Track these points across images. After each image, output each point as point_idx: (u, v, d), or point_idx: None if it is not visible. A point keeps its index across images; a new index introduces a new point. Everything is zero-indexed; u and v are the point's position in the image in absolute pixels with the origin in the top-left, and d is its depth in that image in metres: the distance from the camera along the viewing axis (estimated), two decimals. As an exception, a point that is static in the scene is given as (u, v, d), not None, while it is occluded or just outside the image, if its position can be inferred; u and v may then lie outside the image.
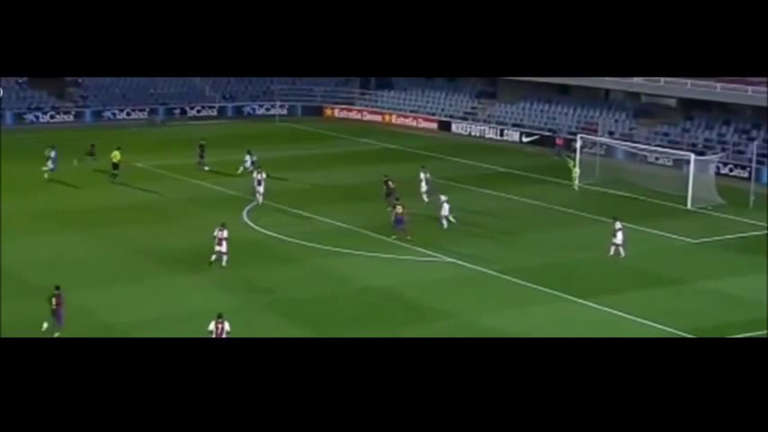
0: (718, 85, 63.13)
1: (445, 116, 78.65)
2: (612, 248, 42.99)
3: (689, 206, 52.57)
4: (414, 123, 78.96)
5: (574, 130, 68.62)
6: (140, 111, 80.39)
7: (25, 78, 78.72)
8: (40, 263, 41.37)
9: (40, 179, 56.30)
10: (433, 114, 79.38)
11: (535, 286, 39.30)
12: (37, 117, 77.80)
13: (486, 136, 74.54)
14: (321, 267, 41.45)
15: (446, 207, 47.30)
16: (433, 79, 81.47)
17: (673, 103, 69.92)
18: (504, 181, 59.11)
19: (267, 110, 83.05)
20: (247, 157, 58.94)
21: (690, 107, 68.13)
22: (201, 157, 60.31)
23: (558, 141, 67.80)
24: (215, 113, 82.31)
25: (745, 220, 50.28)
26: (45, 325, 32.68)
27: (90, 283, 37.95)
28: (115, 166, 56.76)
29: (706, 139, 65.20)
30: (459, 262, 42.27)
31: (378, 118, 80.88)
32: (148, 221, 48.57)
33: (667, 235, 47.26)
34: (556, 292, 38.56)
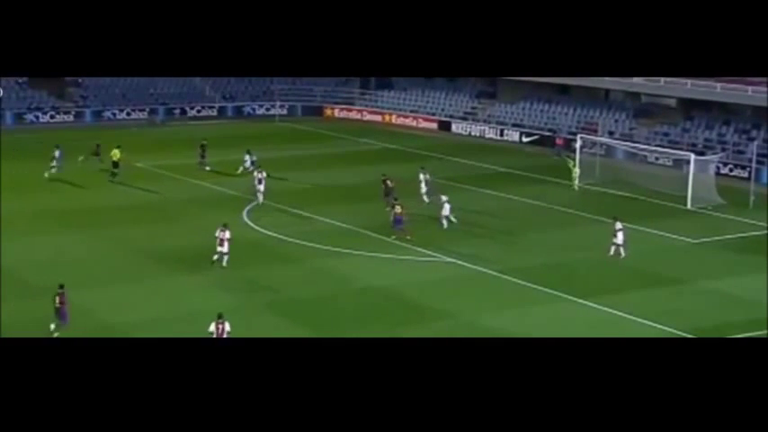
0: (718, 85, 63.13)
1: (445, 116, 78.66)
2: (613, 248, 42.99)
3: (689, 206, 52.57)
4: (414, 123, 78.97)
5: (574, 130, 68.62)
6: (140, 111, 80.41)
7: (25, 78, 78.76)
8: (40, 263, 41.38)
9: (41, 179, 56.33)
10: (433, 114, 79.38)
11: (535, 286, 39.31)
12: (37, 117, 77.82)
13: (486, 136, 74.55)
14: (321, 267, 41.45)
15: (447, 207, 47.29)
16: (433, 79, 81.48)
17: (673, 103, 69.92)
18: (504, 181, 59.11)
19: (267, 110, 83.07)
20: (247, 157, 58.96)
21: (690, 107, 68.13)
22: (203, 156, 60.32)
23: (558, 141, 67.80)
24: (215, 113, 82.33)
25: (745, 220, 50.28)
26: (53, 326, 32.78)
27: (90, 283, 37.94)
28: (115, 164, 56.89)
29: (706, 139, 65.20)
30: (459, 262, 42.28)
31: (378, 118, 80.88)
32: (148, 221, 48.57)
33: (667, 235, 47.26)
34: (556, 292, 38.56)
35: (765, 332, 34.15)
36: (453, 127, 76.80)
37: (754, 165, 57.72)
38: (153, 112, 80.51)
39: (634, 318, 35.98)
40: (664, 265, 42.67)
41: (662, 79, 65.79)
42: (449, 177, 57.76)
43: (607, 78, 67.03)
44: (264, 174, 52.44)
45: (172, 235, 46.22)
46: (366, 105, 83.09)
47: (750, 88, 62.03)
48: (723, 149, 61.81)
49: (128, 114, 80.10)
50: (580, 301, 37.75)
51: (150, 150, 65.74)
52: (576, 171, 57.15)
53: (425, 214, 48.88)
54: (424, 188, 52.39)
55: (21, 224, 47.20)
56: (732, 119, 65.99)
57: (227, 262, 40.50)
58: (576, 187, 56.76)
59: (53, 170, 56.56)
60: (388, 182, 51.59)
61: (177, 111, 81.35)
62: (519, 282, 39.90)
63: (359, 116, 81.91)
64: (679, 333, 34.30)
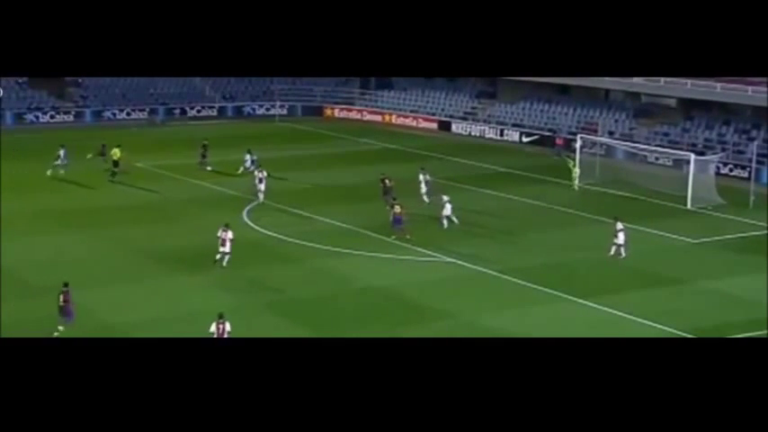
0: (718, 85, 63.14)
1: (445, 116, 78.67)
2: (613, 248, 42.98)
3: (689, 206, 52.58)
4: (414, 123, 78.98)
5: (574, 130, 68.63)
6: (140, 111, 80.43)
7: (25, 78, 78.77)
8: (40, 263, 41.39)
9: (40, 179, 56.38)
10: (433, 114, 79.39)
11: (535, 286, 39.31)
12: (37, 117, 77.85)
13: (486, 136, 74.56)
14: (321, 267, 41.45)
15: (448, 207, 47.30)
16: (433, 79, 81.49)
17: (673, 103, 69.92)
18: (504, 181, 59.11)
19: (267, 110, 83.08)
20: (247, 157, 58.98)
21: (690, 107, 68.14)
22: (204, 156, 60.34)
23: (558, 141, 67.80)
24: (215, 113, 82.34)
25: (745, 220, 50.28)
26: (61, 329, 32.91)
27: (90, 283, 37.92)
28: (115, 163, 57.01)
29: (706, 139, 65.21)
30: (459, 262, 42.28)
31: (378, 118, 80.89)
32: (148, 221, 48.58)
33: (667, 235, 47.26)
34: (556, 292, 38.56)
35: (765, 332, 34.15)
36: (453, 127, 76.81)
37: (754, 165, 57.72)
38: (153, 112, 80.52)
39: (634, 318, 35.98)
40: (664, 265, 42.67)
41: (662, 79, 65.81)
42: (449, 177, 57.77)
43: (607, 78, 67.05)
44: (265, 173, 52.48)
45: (172, 235, 46.22)
46: (366, 105, 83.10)
47: (750, 88, 62.04)
48: (723, 149, 61.82)
49: (128, 114, 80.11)
50: (580, 301, 37.75)
51: (150, 150, 65.74)
52: (576, 171, 57.15)
53: (425, 214, 48.89)
54: (423, 188, 52.39)
55: (21, 224, 47.21)
56: (732, 119, 66.00)
57: (228, 262, 40.51)
58: (576, 187, 56.77)
59: (61, 171, 56.67)
60: (387, 181, 51.64)
61: (177, 111, 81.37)
62: (519, 282, 39.90)
63: (359, 116, 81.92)
64: (679, 333, 34.30)
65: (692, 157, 54.49)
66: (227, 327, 30.88)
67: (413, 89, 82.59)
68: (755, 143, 60.56)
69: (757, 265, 42.22)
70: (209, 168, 59.69)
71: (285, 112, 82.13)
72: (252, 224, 47.73)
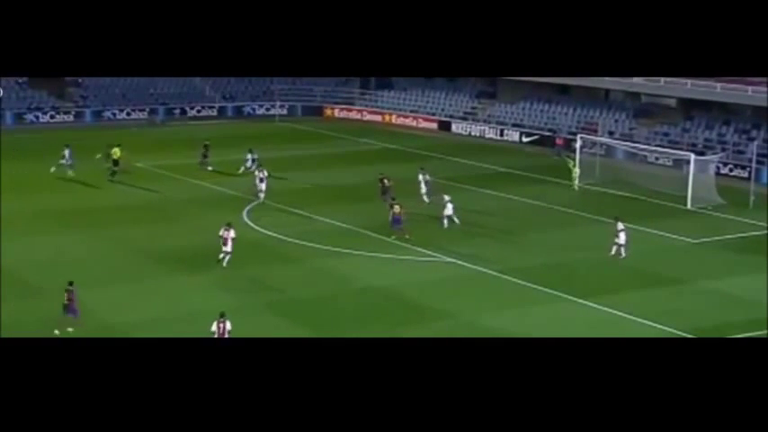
0: (718, 85, 63.12)
1: (445, 116, 78.66)
2: (614, 248, 42.98)
3: (689, 206, 52.58)
4: (414, 123, 78.97)
5: (574, 130, 68.62)
6: (140, 111, 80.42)
7: (25, 78, 78.76)
8: (40, 263, 41.39)
9: (41, 179, 56.43)
10: (433, 114, 79.38)
11: (535, 286, 39.31)
12: (37, 117, 77.83)
13: (486, 136, 74.55)
14: (321, 267, 41.45)
15: (450, 207, 47.31)
16: (433, 79, 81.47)
17: (673, 103, 69.91)
18: (504, 181, 59.11)
19: (267, 110, 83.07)
20: (248, 156, 58.99)
21: (690, 107, 68.13)
22: (205, 156, 60.35)
23: (558, 141, 67.79)
24: (215, 113, 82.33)
25: (745, 220, 50.28)
26: (71, 329, 33.07)
27: (90, 283, 37.89)
28: (115, 162, 57.07)
29: (706, 139, 65.21)
30: (459, 262, 42.28)
31: (378, 118, 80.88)
32: (148, 221, 48.58)
33: (667, 235, 47.26)
34: (556, 292, 38.56)
35: (765, 332, 34.15)
36: (453, 127, 76.80)
37: (754, 165, 57.72)
38: (153, 112, 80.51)
39: (634, 318, 35.98)
40: (664, 265, 42.67)
41: (662, 79, 65.79)
42: (449, 177, 57.76)
43: (607, 78, 67.03)
44: (266, 173, 52.50)
45: (172, 235, 46.22)
46: (366, 105, 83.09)
47: (750, 88, 62.03)
48: (723, 149, 61.81)
49: (128, 114, 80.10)
50: (580, 301, 37.75)
51: (150, 150, 65.73)
52: (576, 171, 57.15)
53: (425, 214, 48.90)
54: (423, 188, 52.39)
55: (21, 224, 47.21)
56: (732, 119, 65.99)
57: (228, 262, 40.51)
58: (576, 187, 56.77)
59: (70, 172, 56.72)
60: (385, 181, 51.68)
61: (177, 111, 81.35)
62: (519, 282, 39.90)
63: (359, 116, 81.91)
64: (679, 333, 34.30)
65: (692, 157, 54.49)
66: (228, 326, 30.98)
67: (413, 89, 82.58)
68: (755, 143, 60.56)
69: (757, 265, 42.22)
70: (209, 168, 59.69)
71: (285, 112, 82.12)
72: (252, 224, 47.73)
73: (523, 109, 75.64)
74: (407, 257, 42.93)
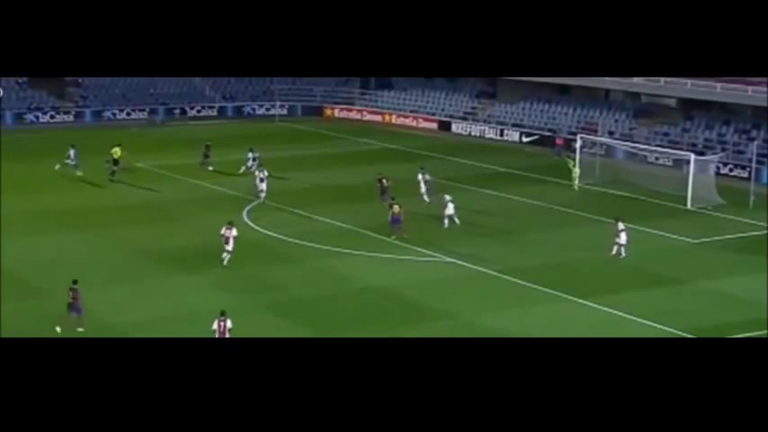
0: (718, 85, 63.12)
1: (445, 116, 78.65)
2: (615, 248, 42.97)
3: (689, 206, 52.57)
4: (414, 123, 78.97)
5: (574, 130, 68.62)
6: (140, 111, 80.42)
7: (25, 78, 78.76)
8: (40, 263, 41.40)
9: (41, 179, 56.49)
10: (433, 114, 79.38)
11: (535, 286, 39.31)
12: (37, 117, 77.83)
13: (486, 136, 74.54)
14: (321, 267, 41.45)
15: (451, 206, 47.32)
16: (433, 79, 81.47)
17: (673, 103, 69.91)
18: (504, 181, 59.10)
19: (267, 110, 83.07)
20: (249, 155, 58.99)
21: (690, 107, 68.13)
22: (207, 156, 60.37)
23: (558, 141, 67.78)
24: (215, 113, 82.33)
25: (745, 220, 50.28)
26: (81, 329, 33.23)
27: (90, 283, 37.85)
28: (115, 162, 57.12)
29: (706, 139, 65.21)
30: (459, 262, 42.28)
31: (378, 118, 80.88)
32: (148, 221, 48.59)
33: (667, 235, 47.26)
34: (556, 292, 38.56)
35: (765, 332, 34.15)
36: (453, 127, 76.80)
37: (754, 165, 57.72)
38: (153, 112, 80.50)
39: (634, 318, 35.98)
40: (664, 265, 42.67)
41: (662, 79, 65.78)
42: (449, 177, 57.76)
43: (607, 78, 67.02)
44: (266, 173, 52.50)
45: (172, 235, 46.22)
46: (366, 105, 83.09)
47: (750, 88, 62.03)
48: (723, 149, 61.81)
49: (128, 114, 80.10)
50: (580, 301, 37.75)
51: (150, 150, 65.72)
52: (576, 171, 57.15)
53: (425, 213, 48.90)
54: (423, 188, 52.41)
55: (21, 224, 47.21)
56: (732, 119, 65.99)
57: (229, 261, 40.53)
58: (576, 187, 56.77)
59: (78, 172, 56.77)
60: (384, 181, 51.69)
61: (177, 111, 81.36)
62: (519, 282, 39.90)
63: (359, 116, 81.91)
64: (679, 333, 34.30)
65: (692, 157, 54.49)
66: (229, 323, 31.12)
67: (413, 89, 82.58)
68: (755, 143, 60.56)
69: (757, 265, 42.22)
70: (210, 168, 59.70)
71: (285, 112, 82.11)
72: (252, 224, 47.72)
73: (523, 109, 75.65)
74: (407, 257, 42.93)
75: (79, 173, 56.85)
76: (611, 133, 67.79)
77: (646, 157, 61.47)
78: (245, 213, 49.60)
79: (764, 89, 60.58)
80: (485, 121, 76.08)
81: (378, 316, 36.10)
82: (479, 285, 39.76)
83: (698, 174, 54.06)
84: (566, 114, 73.23)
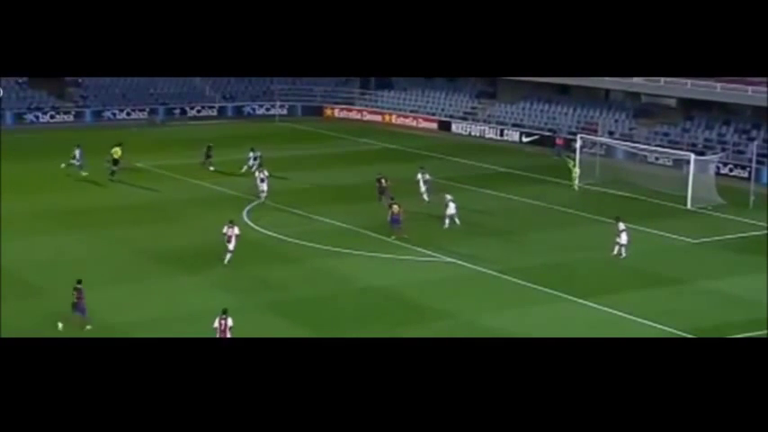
0: (718, 85, 63.12)
1: (445, 116, 78.65)
2: (616, 248, 42.97)
3: (689, 206, 52.58)
4: (414, 123, 78.97)
5: (574, 130, 68.62)
6: (140, 111, 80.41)
7: (25, 78, 78.75)
8: (40, 263, 41.40)
9: (41, 179, 56.52)
10: (433, 114, 79.38)
11: (535, 286, 39.31)
12: (37, 117, 77.82)
13: (486, 136, 74.54)
14: (321, 267, 41.45)
15: (452, 206, 47.32)
16: (433, 79, 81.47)
17: (673, 103, 69.92)
18: (504, 181, 59.10)
19: (267, 110, 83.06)
20: (251, 155, 59.00)
21: (690, 107, 68.13)
22: (208, 156, 60.39)
23: (558, 141, 67.78)
24: (215, 113, 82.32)
25: (745, 220, 50.28)
26: (89, 327, 33.54)
27: (90, 283, 37.82)
28: (115, 162, 57.14)
29: (706, 139, 65.21)
30: (459, 262, 42.27)
31: (378, 118, 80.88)
32: (148, 221, 48.58)
33: (667, 235, 47.26)
34: (556, 292, 38.56)
35: (765, 332, 34.15)
36: (453, 127, 76.79)
37: (754, 165, 57.72)
38: (153, 112, 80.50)
39: (634, 318, 35.98)
40: (664, 265, 42.67)
41: (662, 79, 65.78)
42: (449, 177, 57.76)
43: (607, 78, 67.01)
44: (266, 173, 52.51)
45: (172, 235, 46.22)
46: (366, 105, 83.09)
47: (750, 88, 62.03)
48: (723, 149, 61.81)
49: (128, 114, 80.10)
50: (580, 301, 37.75)
51: (150, 150, 65.71)
52: (576, 171, 57.15)
53: (425, 213, 48.91)
54: (423, 187, 52.42)
55: (21, 224, 47.21)
56: (732, 119, 65.99)
57: (230, 261, 40.54)
58: (576, 187, 56.77)
59: (83, 173, 56.82)
60: (383, 181, 51.70)
61: (177, 111, 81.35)
62: (519, 282, 39.90)
63: (359, 116, 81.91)
64: (679, 333, 34.30)
65: (692, 157, 54.50)
66: (230, 322, 31.26)
67: (413, 89, 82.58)
68: (755, 143, 60.56)
69: (757, 265, 42.22)
70: (211, 168, 59.72)
71: (285, 112, 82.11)
72: (252, 224, 47.71)
73: (523, 109, 75.64)
74: (407, 257, 42.93)
75: (84, 173, 56.93)
76: (611, 133, 67.79)
77: (646, 157, 61.47)
78: (245, 213, 49.60)
79: (764, 89, 60.58)
80: (485, 121, 76.07)
81: (378, 316, 36.10)
82: (479, 285, 39.76)
83: (698, 174, 54.07)
84: (566, 114, 73.23)
